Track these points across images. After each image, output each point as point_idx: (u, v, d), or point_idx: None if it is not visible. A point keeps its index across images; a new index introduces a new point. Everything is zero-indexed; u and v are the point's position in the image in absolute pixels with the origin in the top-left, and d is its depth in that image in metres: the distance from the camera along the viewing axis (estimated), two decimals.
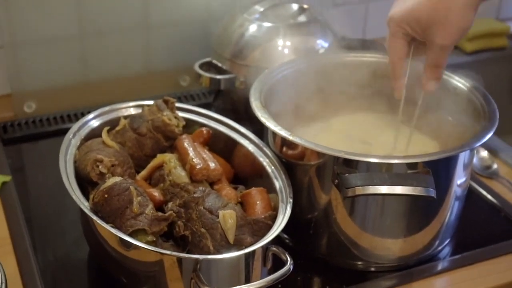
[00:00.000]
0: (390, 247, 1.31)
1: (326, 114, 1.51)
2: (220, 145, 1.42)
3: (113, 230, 1.11)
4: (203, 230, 1.14)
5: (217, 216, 1.15)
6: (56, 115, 1.78)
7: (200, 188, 1.20)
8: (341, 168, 1.20)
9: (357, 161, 1.19)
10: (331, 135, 1.45)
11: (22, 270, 1.29)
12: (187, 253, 1.16)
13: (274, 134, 1.30)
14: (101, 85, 1.84)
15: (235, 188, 1.34)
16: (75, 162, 1.30)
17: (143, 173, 1.33)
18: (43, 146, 1.71)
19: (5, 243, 1.35)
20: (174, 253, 1.09)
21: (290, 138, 1.24)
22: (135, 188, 1.17)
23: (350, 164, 1.20)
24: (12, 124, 1.73)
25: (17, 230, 1.39)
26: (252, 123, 1.55)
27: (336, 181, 1.19)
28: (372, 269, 1.33)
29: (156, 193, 1.25)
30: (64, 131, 1.62)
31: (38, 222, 1.45)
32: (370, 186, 1.13)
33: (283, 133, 1.25)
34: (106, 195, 1.15)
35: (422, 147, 1.40)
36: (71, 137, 1.34)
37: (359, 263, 1.33)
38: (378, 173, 1.18)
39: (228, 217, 1.15)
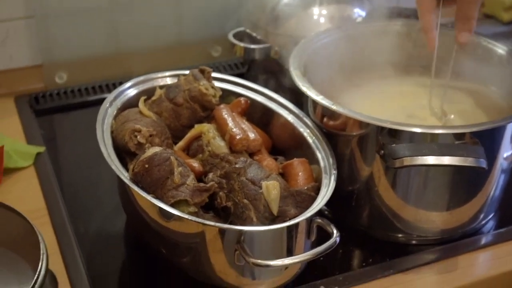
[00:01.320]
0: (434, 219, 1.27)
1: (364, 82, 1.46)
2: (257, 115, 1.38)
3: (155, 201, 1.07)
4: (245, 201, 1.10)
5: (260, 187, 1.11)
6: (88, 86, 1.74)
7: (241, 158, 1.16)
8: (386, 139, 1.15)
9: (402, 131, 1.14)
10: (370, 102, 1.40)
11: (60, 240, 1.26)
12: (230, 224, 1.12)
13: (315, 103, 1.25)
14: (132, 56, 1.79)
15: (275, 159, 1.30)
16: (112, 132, 1.26)
17: (181, 143, 1.29)
18: (75, 116, 1.67)
19: (42, 214, 1.32)
20: (218, 224, 1.06)
21: (333, 107, 1.19)
22: (175, 158, 1.14)
23: (394, 134, 1.15)
24: (43, 95, 1.70)
25: (53, 200, 1.36)
26: (288, 93, 1.51)
27: (382, 151, 1.14)
28: (414, 242, 1.29)
29: (195, 163, 1.21)
30: (95, 102, 1.64)
31: (73, 192, 1.41)
32: (419, 157, 1.08)
33: (325, 102, 1.20)
34: (146, 165, 1.11)
35: (458, 104, 1.37)
36: (107, 106, 1.30)
37: (401, 235, 1.29)
38: (426, 143, 1.14)
39: (272, 188, 1.11)
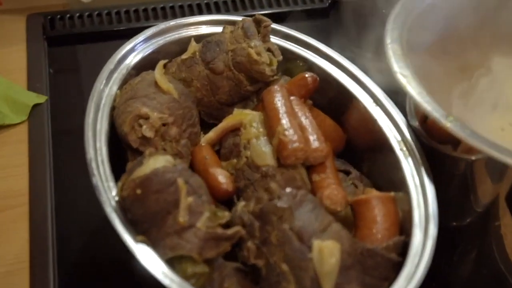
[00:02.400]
0: None
1: (489, 57, 0.98)
2: (330, 95, 0.96)
3: (138, 253, 0.69)
4: (284, 267, 0.70)
5: (310, 248, 0.70)
6: (120, 9, 1.31)
7: (289, 190, 0.74)
8: None
9: None
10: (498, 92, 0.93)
11: (33, 250, 0.90)
12: None
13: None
14: None
15: (346, 173, 0.87)
16: (113, 109, 0.86)
17: (211, 135, 0.89)
18: (100, 49, 1.26)
19: (20, 203, 0.96)
20: None
21: (448, 125, 0.74)
22: (185, 180, 0.73)
23: None
24: (61, 17, 1.29)
25: (39, 183, 0.98)
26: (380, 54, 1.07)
27: None
28: None
29: (223, 178, 0.81)
30: (128, 32, 1.21)
31: (68, 176, 1.03)
32: None
33: (436, 114, 0.75)
34: (139, 190, 0.72)
35: None
36: (113, 66, 0.90)
37: None
38: None
39: (328, 254, 0.69)
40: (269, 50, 0.93)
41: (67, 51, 1.26)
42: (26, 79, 1.16)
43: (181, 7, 1.32)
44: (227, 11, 1.32)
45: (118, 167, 0.80)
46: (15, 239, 0.91)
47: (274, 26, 0.96)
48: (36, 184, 0.99)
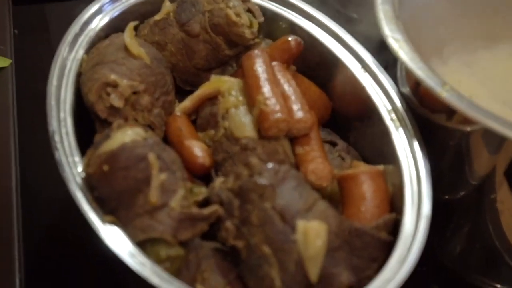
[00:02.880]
0: None
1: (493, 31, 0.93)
2: (315, 60, 0.90)
3: (105, 237, 0.63)
4: (266, 249, 0.65)
5: (294, 229, 0.64)
6: None
7: (270, 165, 0.69)
8: None
9: None
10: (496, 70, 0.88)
11: None
12: (238, 275, 0.68)
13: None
14: None
15: (332, 144, 0.82)
16: (79, 74, 0.79)
17: (187, 103, 0.83)
18: (69, 9, 1.17)
19: None
20: None
21: (444, 94, 0.68)
22: (157, 155, 0.67)
23: None
24: None
25: (3, 158, 0.92)
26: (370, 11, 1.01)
27: None
28: None
29: (199, 151, 0.75)
30: None
31: (35, 146, 0.97)
32: None
33: (431, 82, 0.69)
34: (106, 167, 0.66)
35: None
36: (78, 29, 0.83)
37: None
38: None
39: (314, 236, 0.64)
40: (249, 10, 0.87)
41: (33, 10, 1.20)
42: None
43: None
44: None
45: (86, 140, 0.74)
46: None
47: None
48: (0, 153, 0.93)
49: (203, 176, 0.76)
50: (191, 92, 0.85)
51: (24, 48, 1.11)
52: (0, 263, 0.81)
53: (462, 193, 0.80)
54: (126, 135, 0.67)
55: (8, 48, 1.08)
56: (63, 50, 0.80)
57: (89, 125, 0.79)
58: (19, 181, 0.90)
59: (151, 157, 0.66)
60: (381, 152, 0.78)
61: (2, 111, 0.98)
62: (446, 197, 0.81)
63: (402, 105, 0.79)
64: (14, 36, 1.11)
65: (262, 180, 0.67)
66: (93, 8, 0.85)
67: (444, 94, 0.68)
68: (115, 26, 0.86)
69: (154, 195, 0.65)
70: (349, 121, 0.87)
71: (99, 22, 0.85)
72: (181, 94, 0.86)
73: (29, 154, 0.95)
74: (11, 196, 0.88)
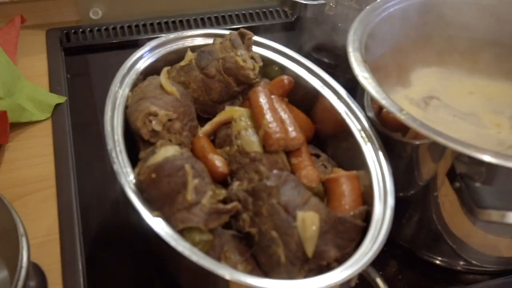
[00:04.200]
0: (499, 246, 0.83)
1: (444, 60, 0.97)
2: (301, 93, 0.92)
3: (156, 227, 0.66)
4: (274, 233, 0.68)
5: (295, 218, 0.68)
6: (124, 25, 1.27)
7: (275, 172, 0.72)
8: (466, 168, 0.69)
9: (495, 167, 0.68)
10: (448, 93, 0.92)
11: (61, 222, 0.87)
12: (252, 254, 0.71)
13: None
14: None
15: (317, 156, 0.86)
16: (126, 108, 0.82)
17: (207, 128, 0.85)
18: (107, 58, 1.22)
19: (49, 185, 0.92)
20: (232, 276, 0.63)
21: (402, 117, 0.72)
22: (191, 166, 0.70)
23: (477, 162, 0.69)
24: (75, 32, 1.24)
25: (64, 169, 0.95)
26: (337, 56, 1.05)
27: (458, 185, 0.69)
28: (467, 269, 0.87)
29: (219, 162, 0.78)
30: (133, 44, 1.19)
31: (87, 161, 0.99)
32: None
33: (392, 109, 0.73)
34: (153, 175, 0.69)
35: None
36: (125, 72, 0.85)
37: (462, 263, 0.86)
38: None
39: (310, 223, 0.68)
40: (252, 57, 0.89)
41: (80, 60, 1.20)
42: (48, 83, 1.11)
43: (173, 22, 1.28)
44: (218, 25, 1.28)
45: (130, 156, 0.76)
46: (46, 216, 0.87)
47: (255, 38, 0.93)
48: (61, 169, 0.95)
49: (222, 182, 0.79)
50: (208, 119, 0.86)
51: (74, 88, 1.13)
52: (66, 250, 0.84)
53: (413, 191, 0.82)
54: (167, 151, 0.70)
55: (63, 88, 1.10)
56: (113, 88, 0.82)
57: (132, 146, 0.82)
58: (76, 188, 0.92)
59: (187, 167, 0.70)
60: (354, 161, 0.81)
61: (61, 135, 1.00)
62: (401, 194, 0.83)
63: (369, 125, 0.82)
64: (67, 79, 1.14)
65: (270, 182, 0.70)
66: (136, 55, 0.86)
67: (402, 117, 0.72)
68: (151, 70, 0.87)
69: (190, 195, 0.68)
70: (328, 139, 0.89)
71: (141, 66, 0.86)
72: (202, 121, 0.87)
73: (83, 168, 0.97)
74: (71, 200, 0.90)
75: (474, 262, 0.84)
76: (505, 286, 0.84)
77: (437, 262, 0.87)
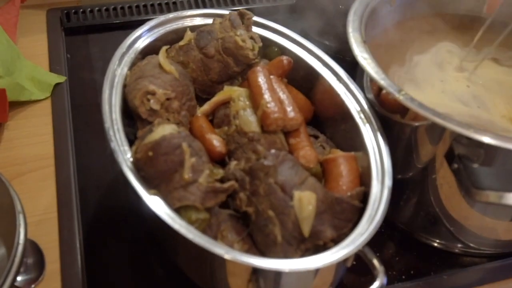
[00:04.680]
0: (497, 229, 0.83)
1: (439, 41, 0.95)
2: (300, 74, 0.91)
3: (153, 205, 0.66)
4: (271, 213, 0.68)
5: (292, 198, 0.68)
6: (124, 5, 1.25)
7: (272, 151, 0.72)
8: (465, 150, 0.69)
9: (495, 148, 0.67)
10: (438, 73, 0.91)
11: (60, 200, 0.87)
12: (248, 233, 0.71)
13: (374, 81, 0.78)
14: None
15: (315, 137, 0.85)
16: (124, 86, 0.82)
17: (206, 107, 0.85)
18: (108, 38, 1.21)
19: (47, 164, 0.92)
20: (228, 254, 0.63)
21: (401, 98, 0.72)
22: (188, 144, 0.70)
23: (479, 146, 0.69)
24: (76, 11, 1.23)
25: (63, 148, 0.95)
26: (337, 39, 1.03)
27: (456, 166, 0.69)
28: (465, 251, 0.86)
29: (217, 142, 0.77)
30: (133, 24, 1.17)
31: (86, 140, 0.99)
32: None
33: (391, 89, 0.73)
34: (150, 153, 0.68)
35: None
36: (123, 51, 0.85)
37: (460, 246, 0.85)
38: None
39: (306, 203, 0.67)
40: (251, 37, 0.88)
41: (80, 40, 1.19)
42: (48, 63, 1.10)
43: (174, 3, 1.27)
44: (218, 5, 1.27)
45: (128, 135, 0.76)
46: (45, 194, 0.87)
47: (255, 18, 0.92)
48: (60, 148, 0.94)
49: (220, 161, 0.78)
50: (207, 99, 0.86)
51: (74, 67, 1.12)
52: (64, 228, 0.83)
53: (411, 173, 0.82)
54: (165, 129, 0.70)
55: (63, 68, 1.09)
56: (112, 67, 0.81)
57: (130, 124, 0.82)
58: (75, 167, 0.92)
59: (184, 145, 0.69)
60: (352, 142, 0.80)
61: (61, 115, 1.00)
62: (399, 176, 0.82)
63: (368, 107, 0.81)
64: (67, 59, 1.13)
65: (267, 162, 0.70)
66: (135, 35, 0.86)
67: (401, 97, 0.71)
68: (150, 50, 0.87)
69: (187, 174, 0.68)
70: (327, 120, 0.88)
71: (139, 45, 0.85)
72: (200, 101, 0.87)
73: (82, 147, 0.97)
74: (70, 179, 0.90)
75: (471, 245, 0.84)
76: (503, 269, 0.83)
77: (435, 244, 0.87)
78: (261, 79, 0.80)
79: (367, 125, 0.80)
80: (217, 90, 0.88)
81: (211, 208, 0.69)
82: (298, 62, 0.89)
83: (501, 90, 0.86)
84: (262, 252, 0.70)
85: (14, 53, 1.03)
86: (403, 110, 0.75)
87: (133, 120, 0.81)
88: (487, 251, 0.85)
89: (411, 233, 0.88)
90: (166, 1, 1.27)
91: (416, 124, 0.76)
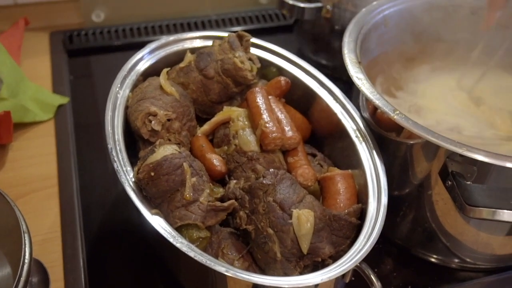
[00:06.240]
0: (492, 244, 0.84)
1: (433, 63, 0.98)
2: (298, 94, 0.93)
3: (156, 225, 0.67)
4: (270, 231, 0.69)
5: (290, 216, 0.69)
6: (126, 27, 1.28)
7: (271, 170, 0.73)
8: (458, 167, 0.70)
9: (488, 165, 0.68)
10: (437, 93, 0.92)
11: (63, 220, 0.88)
12: (249, 251, 0.72)
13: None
14: None
15: (313, 156, 0.86)
16: (126, 108, 0.83)
17: (206, 127, 0.86)
18: (110, 60, 1.23)
19: (51, 184, 0.93)
20: (229, 272, 0.64)
21: (395, 117, 0.73)
22: (189, 164, 0.71)
23: (473, 163, 0.70)
24: (78, 34, 1.25)
25: (66, 169, 0.96)
26: (334, 58, 1.05)
27: (449, 183, 0.70)
28: (461, 266, 0.87)
29: (217, 161, 0.79)
30: (134, 46, 1.19)
31: (89, 160, 1.00)
32: (505, 211, 0.64)
33: (386, 109, 0.74)
34: (152, 173, 0.70)
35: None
36: (125, 73, 0.87)
37: (456, 261, 0.86)
38: None
39: (305, 221, 0.68)
40: (250, 59, 0.90)
41: (83, 61, 1.21)
42: (51, 84, 1.12)
43: (174, 25, 1.29)
44: (217, 27, 1.29)
45: (130, 155, 0.77)
46: (49, 213, 0.88)
47: (252, 39, 0.94)
48: (63, 169, 0.96)
49: (220, 180, 0.79)
50: (207, 119, 0.87)
51: (77, 89, 1.14)
52: (68, 247, 0.84)
53: (407, 190, 0.82)
54: (166, 150, 0.71)
55: (66, 89, 1.11)
56: (114, 89, 0.83)
57: (131, 145, 0.83)
58: (78, 187, 0.93)
59: (185, 165, 0.71)
60: (349, 161, 0.81)
61: (64, 135, 1.01)
62: (396, 193, 0.83)
63: (364, 126, 0.82)
64: (70, 81, 1.15)
65: (266, 181, 0.71)
66: (136, 57, 0.87)
67: (396, 117, 0.73)
68: (151, 72, 0.88)
69: (188, 193, 0.69)
70: (324, 139, 0.89)
71: (141, 67, 0.87)
72: (200, 121, 0.88)
73: (85, 167, 0.98)
74: (73, 199, 0.91)
75: (468, 259, 0.85)
76: (499, 283, 0.84)
77: (432, 259, 0.87)
78: (260, 99, 0.82)
79: (363, 143, 0.81)
80: (216, 110, 0.89)
81: (212, 226, 0.70)
82: (295, 82, 0.91)
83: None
84: (262, 269, 0.71)
85: (18, 75, 1.05)
86: (398, 128, 0.77)
87: (135, 141, 0.82)
88: (483, 265, 0.86)
89: (408, 249, 0.88)
90: (166, 23, 1.29)
91: (411, 142, 0.77)
